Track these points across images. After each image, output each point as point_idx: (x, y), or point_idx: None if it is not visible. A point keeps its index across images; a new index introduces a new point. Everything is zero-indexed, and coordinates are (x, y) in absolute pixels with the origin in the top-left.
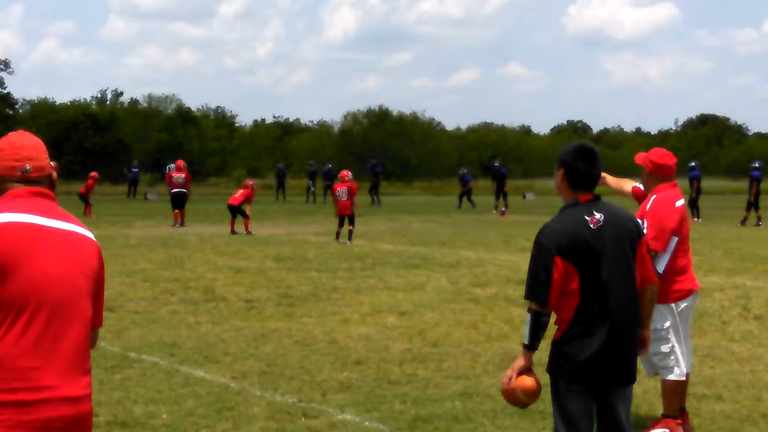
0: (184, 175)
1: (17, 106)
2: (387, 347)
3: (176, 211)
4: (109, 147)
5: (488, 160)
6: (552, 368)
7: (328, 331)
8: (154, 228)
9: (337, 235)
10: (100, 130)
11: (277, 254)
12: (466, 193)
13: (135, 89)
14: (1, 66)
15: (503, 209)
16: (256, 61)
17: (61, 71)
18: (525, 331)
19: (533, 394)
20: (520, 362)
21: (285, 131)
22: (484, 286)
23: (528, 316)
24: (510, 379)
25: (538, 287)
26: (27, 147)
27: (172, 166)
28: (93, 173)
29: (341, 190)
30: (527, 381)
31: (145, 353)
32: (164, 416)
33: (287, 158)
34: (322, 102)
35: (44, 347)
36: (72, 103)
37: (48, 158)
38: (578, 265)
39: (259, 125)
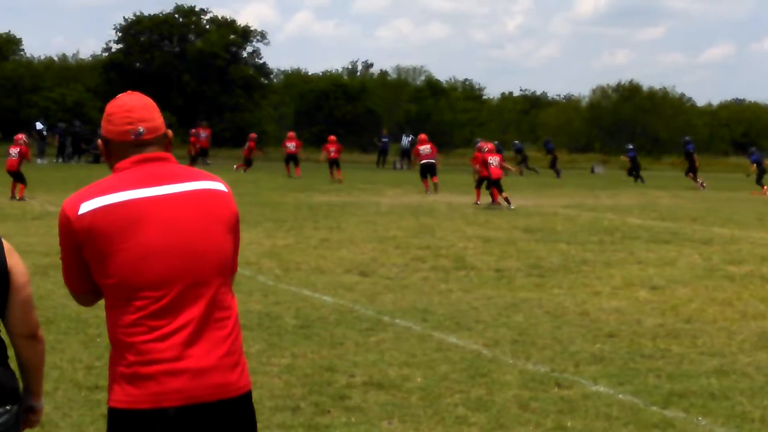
0: (430, 146)
1: (272, 76)
2: (639, 321)
3: (424, 180)
4: (359, 117)
5: (740, 137)
6: None
7: (579, 303)
8: (403, 196)
9: None
10: (350, 100)
11: (525, 225)
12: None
13: (385, 61)
14: (258, 37)
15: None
16: (505, 34)
17: (314, 43)
18: None
19: None
20: None
21: (532, 105)
22: (738, 263)
23: None
24: None
25: None
26: (138, 108)
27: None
28: (252, 134)
29: None
30: None
31: (398, 318)
32: (418, 379)
33: (533, 131)
34: (570, 76)
35: (162, 322)
36: (324, 73)
37: (161, 117)
38: None
39: (506, 98)
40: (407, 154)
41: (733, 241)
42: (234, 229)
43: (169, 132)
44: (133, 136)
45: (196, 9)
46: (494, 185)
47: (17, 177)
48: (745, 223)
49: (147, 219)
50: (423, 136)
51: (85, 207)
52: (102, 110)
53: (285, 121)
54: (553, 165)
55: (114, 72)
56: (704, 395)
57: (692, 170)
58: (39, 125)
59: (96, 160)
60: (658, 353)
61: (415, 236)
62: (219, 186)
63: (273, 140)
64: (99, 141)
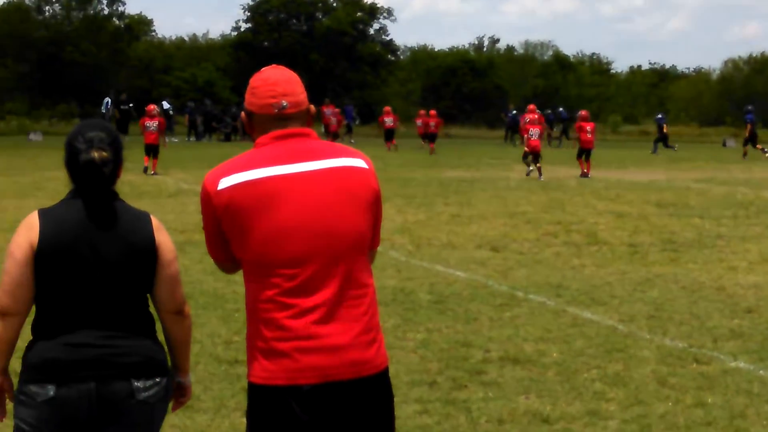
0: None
1: (398, 53)
2: None
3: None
4: (486, 92)
5: None
6: None
7: (715, 278)
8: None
9: None
10: (477, 75)
11: (658, 200)
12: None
13: (511, 36)
14: (385, 14)
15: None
16: (633, 7)
17: (440, 19)
18: None
19: None
20: None
21: (661, 78)
22: None
23: None
24: None
25: None
26: (281, 82)
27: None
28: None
29: None
30: None
31: (532, 293)
32: (555, 354)
33: (662, 104)
34: (699, 49)
35: (297, 299)
36: (450, 49)
37: (304, 92)
38: None
39: (635, 72)
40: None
41: None
42: (373, 207)
43: (312, 107)
44: (276, 110)
45: None
46: (532, 156)
47: (155, 151)
48: None
49: (284, 196)
50: (532, 106)
51: (224, 183)
52: (232, 89)
53: (412, 96)
54: (661, 140)
55: (243, 51)
56: None
57: (751, 140)
58: (165, 104)
59: (227, 138)
60: None
61: (545, 211)
62: (359, 163)
63: (401, 116)
64: (242, 114)
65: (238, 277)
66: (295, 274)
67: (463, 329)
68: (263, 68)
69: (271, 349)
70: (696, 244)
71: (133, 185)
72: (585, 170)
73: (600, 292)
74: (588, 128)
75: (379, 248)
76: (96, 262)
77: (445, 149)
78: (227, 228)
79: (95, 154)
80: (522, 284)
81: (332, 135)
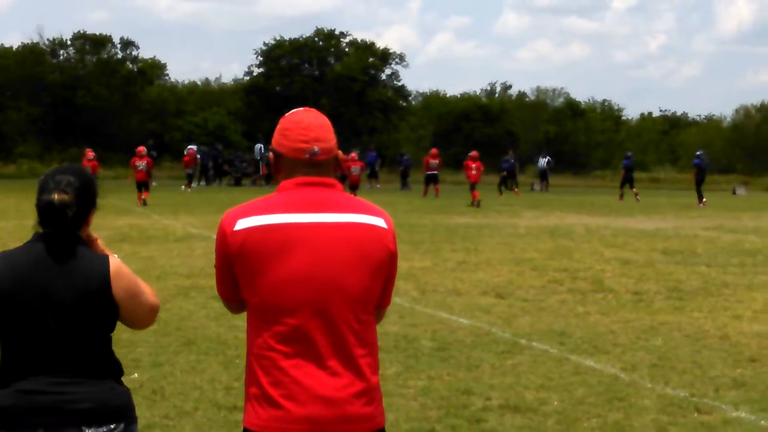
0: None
1: (410, 98)
2: None
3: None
4: (498, 138)
5: None
6: None
7: (720, 327)
8: (541, 218)
9: None
10: (489, 121)
11: (665, 247)
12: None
13: (524, 82)
14: (397, 59)
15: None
16: (646, 54)
17: (454, 64)
18: None
19: None
20: None
21: (672, 125)
22: None
23: None
24: None
25: None
26: (315, 127)
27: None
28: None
29: None
30: None
31: (535, 340)
32: (555, 403)
33: (674, 152)
34: (712, 96)
35: (297, 348)
36: (462, 95)
37: (335, 138)
38: None
39: (645, 118)
40: (545, 175)
41: None
42: (385, 267)
43: (340, 153)
44: (307, 156)
45: (336, 32)
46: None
47: (146, 185)
48: None
49: (298, 245)
50: (434, 150)
51: (242, 224)
52: (243, 133)
53: (422, 142)
54: (624, 183)
55: (255, 95)
56: None
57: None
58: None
59: (237, 183)
60: None
61: (552, 258)
62: (378, 222)
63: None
64: (270, 154)
65: (241, 322)
66: (298, 323)
67: (465, 377)
68: (295, 110)
69: (266, 396)
70: (701, 292)
71: (141, 229)
72: (475, 198)
73: (603, 340)
74: (473, 166)
75: None
76: (47, 307)
77: (454, 195)
78: (238, 269)
79: (55, 196)
80: (525, 331)
81: (352, 187)
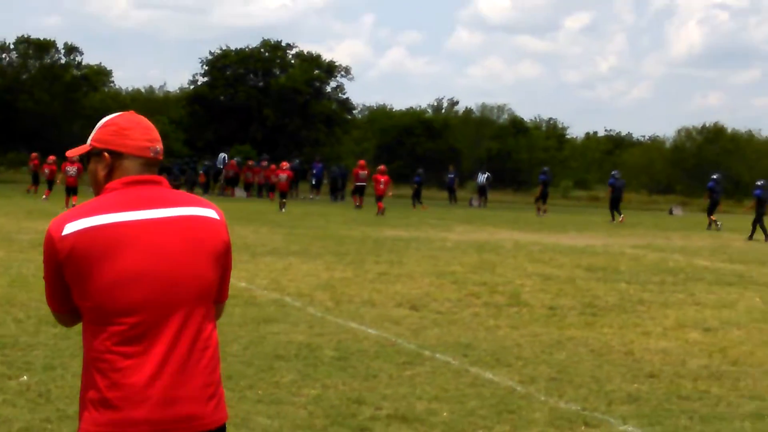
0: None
1: (355, 111)
2: (684, 362)
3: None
4: (440, 153)
5: None
6: None
7: (627, 343)
8: (472, 233)
9: None
10: (432, 136)
11: (589, 264)
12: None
13: (474, 99)
14: (342, 72)
15: None
16: (597, 75)
17: (405, 80)
18: None
19: None
20: None
21: (616, 145)
22: None
23: None
24: None
25: None
26: (153, 128)
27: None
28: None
29: None
30: None
31: (439, 352)
32: (445, 414)
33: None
34: (658, 118)
35: (136, 349)
36: (408, 110)
37: None
38: None
39: (590, 137)
40: (483, 191)
41: None
42: (221, 259)
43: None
44: (152, 154)
45: (282, 44)
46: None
47: (74, 191)
48: None
49: (129, 243)
50: (362, 162)
51: (70, 228)
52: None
53: (365, 156)
54: (539, 199)
55: (198, 105)
56: None
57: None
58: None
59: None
60: (695, 395)
61: (474, 272)
62: (210, 213)
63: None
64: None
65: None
66: (134, 322)
67: (360, 386)
68: (120, 113)
69: (104, 399)
70: (616, 308)
71: None
72: (380, 209)
73: (507, 354)
74: (382, 180)
75: (298, 303)
76: None
77: (391, 209)
78: (69, 274)
79: None
80: (431, 343)
81: (281, 195)
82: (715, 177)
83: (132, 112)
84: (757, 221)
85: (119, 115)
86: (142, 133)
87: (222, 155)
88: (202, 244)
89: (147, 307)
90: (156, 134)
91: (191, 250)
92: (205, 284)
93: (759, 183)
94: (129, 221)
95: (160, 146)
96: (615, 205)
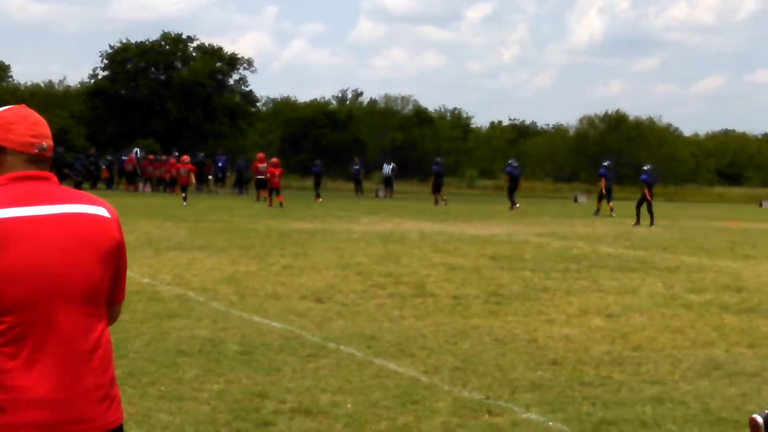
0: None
1: (259, 104)
2: (587, 348)
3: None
4: (345, 145)
5: (726, 167)
6: None
7: (530, 331)
8: (378, 224)
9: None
10: (337, 128)
11: (494, 253)
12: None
13: (378, 90)
14: (245, 65)
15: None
16: (500, 65)
17: (309, 71)
18: None
19: None
20: None
21: (520, 134)
22: (699, 292)
23: None
24: None
25: None
26: (42, 123)
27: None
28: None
29: None
30: None
31: (344, 344)
32: (348, 406)
33: (518, 160)
34: (561, 106)
35: (21, 349)
36: (312, 101)
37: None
38: None
39: (495, 127)
40: (389, 182)
41: (700, 270)
42: (112, 257)
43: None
44: (36, 150)
45: (183, 36)
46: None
47: None
48: (715, 252)
49: (12, 240)
50: (261, 154)
51: None
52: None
53: (270, 148)
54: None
55: (99, 99)
56: (635, 423)
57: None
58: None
59: (78, 186)
60: (598, 381)
61: (379, 263)
62: (100, 211)
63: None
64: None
65: None
66: (19, 321)
67: (263, 380)
68: (9, 106)
69: None
70: (520, 296)
71: None
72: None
73: (411, 344)
74: (276, 173)
75: (201, 298)
76: None
77: (295, 201)
78: None
79: None
80: (335, 335)
81: (182, 188)
82: (606, 164)
83: (22, 105)
84: (639, 205)
85: (8, 109)
86: (28, 128)
87: (135, 149)
88: (89, 241)
89: (30, 305)
90: (45, 130)
91: (77, 247)
92: (93, 283)
93: (645, 168)
94: (14, 218)
95: (48, 143)
96: (512, 193)
